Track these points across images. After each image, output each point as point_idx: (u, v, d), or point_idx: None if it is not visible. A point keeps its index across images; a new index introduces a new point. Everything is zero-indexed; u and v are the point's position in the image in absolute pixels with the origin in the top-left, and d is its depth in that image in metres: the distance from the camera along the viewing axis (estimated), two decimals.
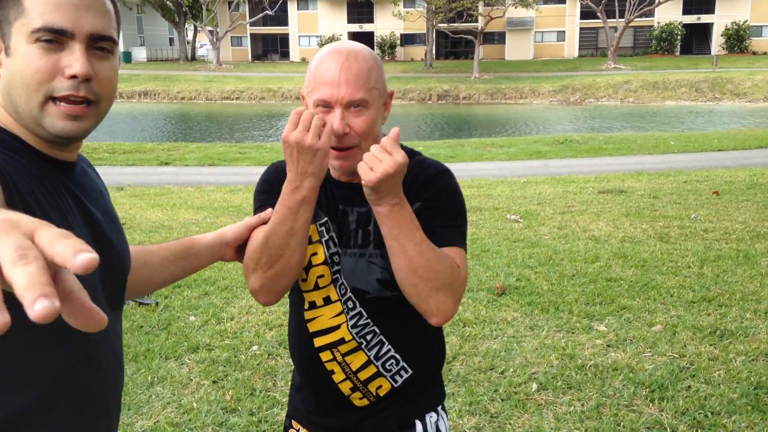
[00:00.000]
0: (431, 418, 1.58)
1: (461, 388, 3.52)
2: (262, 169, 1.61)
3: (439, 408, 1.62)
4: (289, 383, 3.58)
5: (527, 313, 4.57)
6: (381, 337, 1.50)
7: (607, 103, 34.99)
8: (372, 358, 1.51)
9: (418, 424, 1.56)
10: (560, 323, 4.38)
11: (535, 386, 3.51)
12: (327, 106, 1.37)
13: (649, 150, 15.64)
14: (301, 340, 1.55)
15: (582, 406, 3.31)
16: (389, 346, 1.51)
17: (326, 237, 1.48)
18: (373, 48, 53.18)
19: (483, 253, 6.07)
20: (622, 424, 3.12)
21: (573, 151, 15.90)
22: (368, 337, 1.50)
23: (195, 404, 3.35)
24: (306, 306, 1.52)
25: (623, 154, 15.18)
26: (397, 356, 1.52)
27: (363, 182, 1.32)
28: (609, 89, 35.88)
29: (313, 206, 1.38)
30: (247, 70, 46.88)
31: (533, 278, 5.30)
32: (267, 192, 1.53)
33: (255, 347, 4.05)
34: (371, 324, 1.49)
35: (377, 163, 1.30)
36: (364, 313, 1.49)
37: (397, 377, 1.53)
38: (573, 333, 4.23)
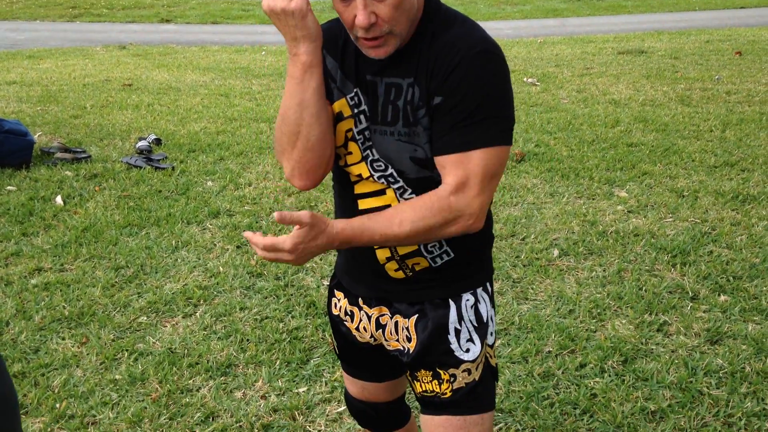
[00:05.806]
0: (467, 301, 1.48)
1: None
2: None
3: (480, 290, 1.49)
4: None
5: (547, 179, 4.52)
6: None
7: None
8: None
9: (452, 305, 1.47)
10: (581, 189, 4.34)
11: (556, 252, 3.53)
12: None
13: (669, 7, 14.99)
14: (345, 200, 1.47)
15: (604, 271, 3.34)
16: None
17: (357, 111, 1.37)
18: None
19: None
20: (644, 288, 3.16)
21: (591, 8, 15.25)
22: None
23: (221, 268, 3.39)
24: (352, 179, 1.44)
25: (643, 12, 14.57)
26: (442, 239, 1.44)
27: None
28: None
29: (319, 70, 1.30)
30: None
31: (552, 144, 5.21)
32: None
33: (275, 213, 4.04)
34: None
35: None
36: (407, 188, 1.39)
37: (437, 259, 1.45)
38: (594, 199, 4.21)
